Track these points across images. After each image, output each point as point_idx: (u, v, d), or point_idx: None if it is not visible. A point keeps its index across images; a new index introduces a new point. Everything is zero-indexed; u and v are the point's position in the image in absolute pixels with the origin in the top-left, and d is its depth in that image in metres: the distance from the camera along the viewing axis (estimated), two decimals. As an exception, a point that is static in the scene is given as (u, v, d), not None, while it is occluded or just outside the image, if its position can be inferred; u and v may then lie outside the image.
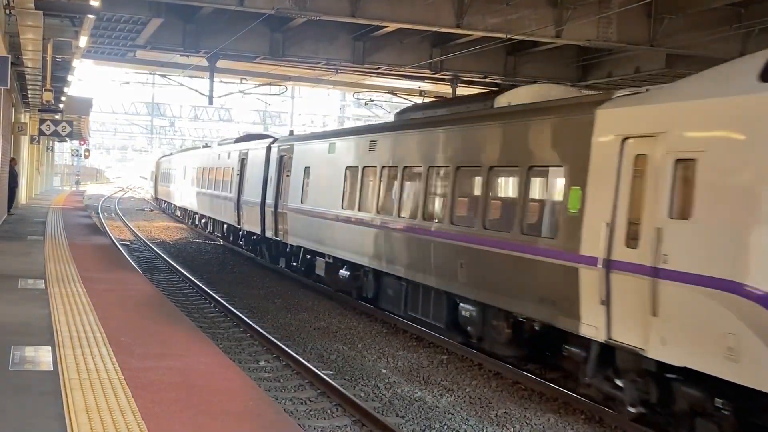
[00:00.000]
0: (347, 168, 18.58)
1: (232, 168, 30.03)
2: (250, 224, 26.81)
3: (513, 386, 12.37)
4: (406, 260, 15.44)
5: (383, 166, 16.75)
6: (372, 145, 17.43)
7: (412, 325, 16.00)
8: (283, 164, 23.72)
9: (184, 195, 42.56)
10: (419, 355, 14.25)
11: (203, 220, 37.72)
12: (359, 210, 17.71)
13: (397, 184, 16.05)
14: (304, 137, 23.66)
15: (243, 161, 28.52)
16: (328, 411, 10.76)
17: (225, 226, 31.98)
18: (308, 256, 21.54)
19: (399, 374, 12.88)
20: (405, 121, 16.99)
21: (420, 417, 10.67)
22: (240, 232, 29.09)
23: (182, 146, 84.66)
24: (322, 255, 20.06)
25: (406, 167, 15.86)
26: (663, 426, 9.87)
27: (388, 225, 16.25)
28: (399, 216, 15.82)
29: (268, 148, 25.50)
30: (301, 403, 11.08)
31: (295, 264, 22.72)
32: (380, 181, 16.81)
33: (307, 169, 21.43)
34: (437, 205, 14.73)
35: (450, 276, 13.85)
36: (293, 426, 6.98)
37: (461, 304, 13.74)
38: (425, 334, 15.47)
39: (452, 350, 14.46)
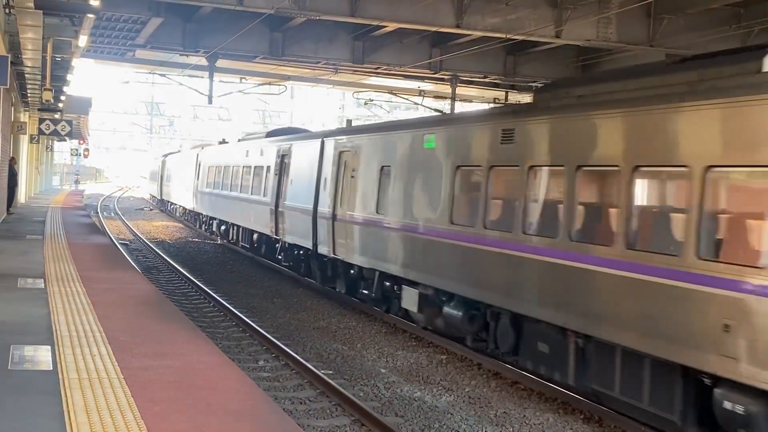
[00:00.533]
0: (459, 168, 13.88)
1: (267, 167, 25.49)
2: (295, 236, 21.99)
3: (512, 386, 12.38)
4: (587, 307, 10.55)
5: (532, 166, 11.89)
6: (507, 136, 12.56)
7: (412, 325, 15.99)
8: (344, 163, 18.88)
9: (199, 197, 37.60)
10: (418, 355, 14.25)
11: (223, 227, 32.51)
12: (486, 227, 12.89)
13: (564, 191, 11.16)
14: (377, 128, 18.39)
15: (283, 159, 23.89)
16: (328, 410, 10.77)
17: (255, 235, 27.07)
18: (387, 283, 16.66)
19: (398, 374, 12.88)
20: (576, 99, 11.57)
21: (419, 417, 10.67)
22: (278, 245, 24.40)
23: (181, 146, 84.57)
24: (412, 283, 15.33)
25: (582, 167, 10.91)
26: (663, 427, 9.86)
27: (547, 253, 11.37)
28: (570, 240, 10.94)
29: (322, 143, 20.59)
30: (301, 403, 11.08)
31: (365, 291, 17.73)
32: (527, 186, 11.98)
33: (385, 170, 16.62)
34: (660, 227, 9.97)
35: (699, 343, 8.86)
36: (292, 425, 6.97)
37: (720, 390, 8.75)
38: (424, 334, 15.46)
39: (451, 350, 14.46)
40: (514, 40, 24.33)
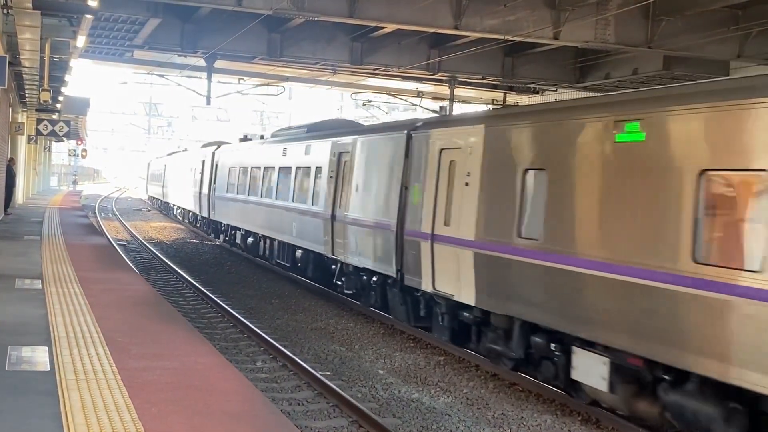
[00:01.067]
0: (706, 173, 8.72)
1: (317, 168, 20.71)
2: (364, 258, 16.95)
3: (510, 387, 12.38)
4: None
5: None
6: None
7: (409, 326, 15.98)
8: (450, 164, 13.83)
9: (216, 203, 32.87)
10: (416, 356, 14.25)
11: (250, 239, 27.42)
12: None
13: None
14: (514, 114, 12.82)
15: (341, 158, 19.01)
16: (325, 412, 10.76)
17: (299, 252, 21.93)
18: (538, 339, 11.49)
19: (396, 375, 12.88)
20: None
21: (417, 418, 10.67)
22: (334, 267, 19.26)
23: (179, 146, 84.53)
24: (595, 345, 10.29)
25: None
26: (659, 427, 9.86)
27: None
28: None
29: (408, 138, 15.53)
30: (298, 404, 11.08)
31: (494, 346, 12.55)
32: None
33: (531, 175, 11.61)
34: None
35: None
36: (290, 427, 6.97)
37: None
38: (422, 335, 15.46)
39: (449, 351, 14.46)
40: (513, 41, 24.35)
